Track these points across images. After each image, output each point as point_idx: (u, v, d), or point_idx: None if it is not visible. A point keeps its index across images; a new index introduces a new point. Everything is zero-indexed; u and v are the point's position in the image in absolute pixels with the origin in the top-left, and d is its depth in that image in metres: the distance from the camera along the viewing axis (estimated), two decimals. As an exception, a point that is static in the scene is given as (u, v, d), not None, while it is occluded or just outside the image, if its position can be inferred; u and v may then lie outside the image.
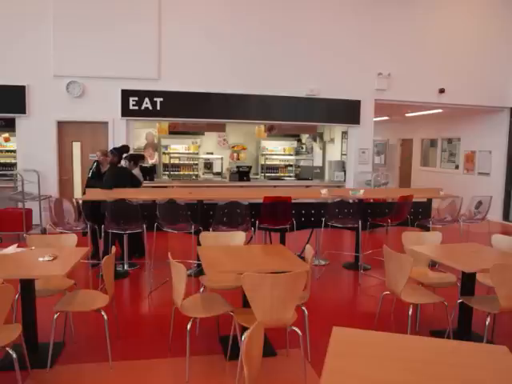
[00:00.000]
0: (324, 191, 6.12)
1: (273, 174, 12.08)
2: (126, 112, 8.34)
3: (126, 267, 5.95)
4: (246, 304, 3.18)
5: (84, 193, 6.52)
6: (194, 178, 11.47)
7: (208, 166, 12.00)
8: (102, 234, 5.43)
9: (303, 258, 4.16)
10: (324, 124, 10.64)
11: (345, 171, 9.94)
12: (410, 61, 9.40)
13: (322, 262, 6.36)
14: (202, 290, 3.92)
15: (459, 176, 11.86)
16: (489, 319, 3.35)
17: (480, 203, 6.90)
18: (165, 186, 9.00)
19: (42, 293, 3.56)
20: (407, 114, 12.28)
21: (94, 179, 6.34)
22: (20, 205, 7.45)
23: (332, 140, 11.92)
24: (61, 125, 8.25)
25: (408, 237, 4.38)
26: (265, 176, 11.90)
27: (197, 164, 11.81)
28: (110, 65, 8.20)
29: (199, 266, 5.23)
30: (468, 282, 3.68)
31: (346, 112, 9.34)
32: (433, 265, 4.77)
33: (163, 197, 5.57)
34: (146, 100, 8.38)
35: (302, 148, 12.81)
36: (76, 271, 4.18)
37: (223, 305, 3.36)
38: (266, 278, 2.90)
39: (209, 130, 11.40)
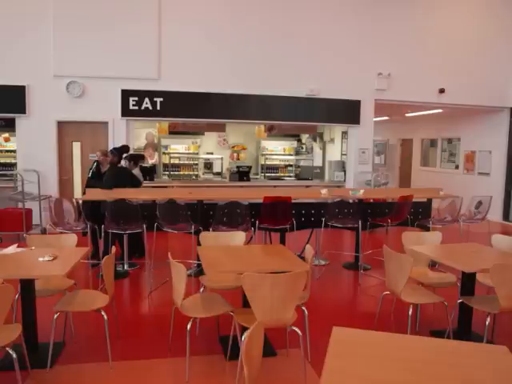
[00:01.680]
0: (324, 191, 6.12)
1: (273, 174, 12.08)
2: (125, 112, 8.34)
3: (126, 267, 5.95)
4: (246, 304, 3.18)
5: (84, 193, 6.52)
6: (194, 178, 11.47)
7: (208, 166, 12.00)
8: (102, 234, 5.43)
9: (303, 258, 4.16)
10: (324, 124, 10.64)
11: (345, 171, 9.94)
12: (410, 61, 9.40)
13: (322, 262, 6.36)
14: (201, 289, 3.92)
15: (459, 176, 11.86)
16: (489, 319, 3.35)
17: (480, 203, 6.90)
18: (165, 186, 9.00)
19: (41, 293, 3.56)
20: (407, 114, 12.28)
21: (94, 179, 6.34)
22: (20, 205, 7.45)
23: (332, 140, 11.92)
24: (61, 125, 8.25)
25: (408, 237, 4.38)
26: (265, 176, 11.90)
27: (197, 164, 11.81)
28: (110, 65, 8.20)
29: (199, 265, 5.23)
30: (468, 282, 3.68)
31: (346, 112, 9.34)
32: (433, 265, 4.77)
33: (163, 197, 5.57)
34: (146, 100, 8.38)
35: (302, 148, 12.81)
36: (76, 271, 4.18)
37: (223, 305, 3.36)
38: (266, 278, 2.90)
39: (209, 130, 11.40)
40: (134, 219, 5.34)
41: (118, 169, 6.17)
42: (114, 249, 3.72)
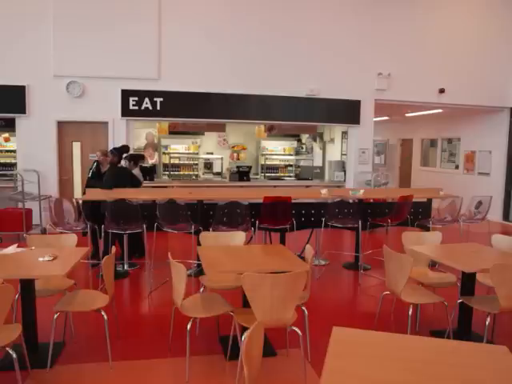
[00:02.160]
0: (324, 191, 6.12)
1: (273, 174, 12.08)
2: (125, 112, 8.34)
3: (126, 267, 5.95)
4: (246, 304, 3.18)
5: (84, 193, 6.52)
6: (194, 178, 11.47)
7: (208, 166, 12.00)
8: (102, 234, 5.43)
9: (303, 258, 4.16)
10: (324, 124, 10.64)
11: (345, 171, 9.94)
12: (410, 61, 9.40)
13: (322, 262, 6.36)
14: (201, 289, 3.92)
15: (459, 176, 11.86)
16: (489, 319, 3.35)
17: (480, 203, 6.90)
18: (165, 186, 9.00)
19: (42, 293, 3.56)
20: (407, 114, 12.28)
21: (94, 179, 6.34)
22: (20, 205, 7.45)
23: (332, 140, 11.92)
24: (61, 125, 8.25)
25: (408, 237, 4.38)
26: (265, 176, 11.90)
27: (197, 164, 11.81)
28: (110, 65, 8.20)
29: (199, 265, 5.23)
30: (468, 282, 3.68)
31: (346, 112, 9.34)
32: (433, 265, 4.77)
33: (163, 197, 5.57)
34: (146, 100, 8.38)
35: (302, 148, 12.81)
36: (76, 271, 4.18)
37: (223, 305, 3.36)
38: (266, 278, 2.90)
39: (209, 130, 11.41)
40: (134, 219, 5.34)
41: (118, 169, 6.17)
42: (114, 249, 3.72)
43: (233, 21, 8.64)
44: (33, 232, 7.22)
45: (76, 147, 8.40)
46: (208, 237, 4.21)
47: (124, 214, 5.35)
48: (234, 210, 5.48)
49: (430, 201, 6.70)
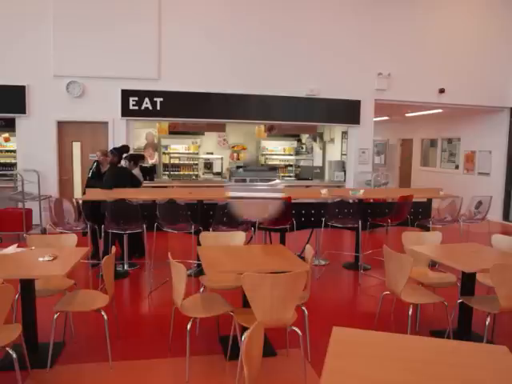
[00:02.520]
0: (324, 191, 6.12)
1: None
2: (125, 112, 8.34)
3: (126, 267, 5.95)
4: (246, 304, 3.18)
5: (84, 193, 6.52)
6: (194, 178, 11.47)
7: (208, 166, 12.00)
8: (102, 234, 5.43)
9: (303, 258, 4.15)
10: (324, 124, 10.64)
11: (345, 171, 9.94)
12: (410, 61, 9.40)
13: (322, 262, 6.35)
14: (201, 289, 3.92)
15: (459, 176, 11.86)
16: (489, 319, 3.35)
17: (480, 203, 6.90)
18: (165, 186, 9.00)
19: (42, 293, 3.56)
20: (407, 114, 12.28)
21: (94, 179, 6.34)
22: (20, 205, 7.45)
23: (332, 140, 11.92)
24: (61, 125, 8.26)
25: (408, 237, 4.38)
26: (265, 176, 11.89)
27: (197, 164, 11.81)
28: (110, 65, 8.20)
29: (199, 266, 5.23)
30: (468, 282, 3.68)
31: (346, 112, 9.34)
32: (433, 265, 4.77)
33: (163, 197, 5.57)
34: (146, 100, 8.38)
35: (302, 148, 12.81)
36: (76, 271, 4.18)
37: (223, 305, 3.36)
38: (266, 278, 2.90)
39: (209, 130, 11.40)
40: (134, 219, 5.34)
41: (118, 169, 6.17)
42: (114, 249, 3.72)
43: (233, 21, 8.64)
44: (33, 232, 7.22)
45: (76, 147, 8.40)
46: (208, 237, 4.21)
47: (124, 213, 5.35)
48: (234, 210, 5.48)
49: (430, 201, 6.70)
